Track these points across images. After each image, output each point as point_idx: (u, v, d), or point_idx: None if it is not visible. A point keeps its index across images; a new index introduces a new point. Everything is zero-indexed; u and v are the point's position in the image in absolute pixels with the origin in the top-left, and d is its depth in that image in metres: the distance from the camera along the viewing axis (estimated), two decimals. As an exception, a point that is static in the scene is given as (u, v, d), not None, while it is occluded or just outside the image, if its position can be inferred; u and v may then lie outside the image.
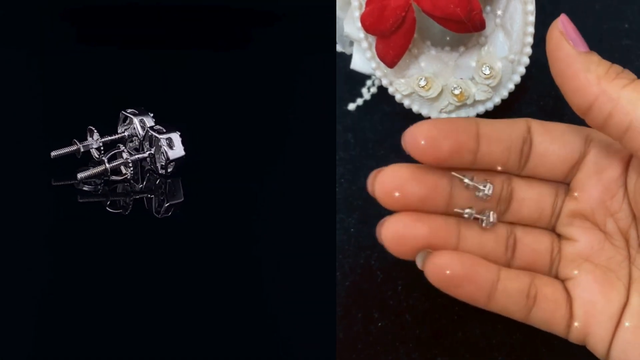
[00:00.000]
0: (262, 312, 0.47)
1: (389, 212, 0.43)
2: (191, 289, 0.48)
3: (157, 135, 0.55)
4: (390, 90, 0.49)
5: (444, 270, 0.41)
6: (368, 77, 0.53)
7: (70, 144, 0.56)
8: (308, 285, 0.49)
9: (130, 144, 0.58)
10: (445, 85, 0.48)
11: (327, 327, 0.47)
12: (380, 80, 0.49)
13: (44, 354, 0.45)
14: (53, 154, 0.56)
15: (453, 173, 0.42)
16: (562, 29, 0.40)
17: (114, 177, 0.55)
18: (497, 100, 0.48)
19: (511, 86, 0.48)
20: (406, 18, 0.46)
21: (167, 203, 0.55)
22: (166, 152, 0.55)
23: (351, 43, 0.51)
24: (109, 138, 0.57)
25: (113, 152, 0.55)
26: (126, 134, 0.58)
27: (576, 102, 0.40)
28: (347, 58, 0.52)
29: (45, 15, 0.71)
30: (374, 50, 0.48)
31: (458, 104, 0.48)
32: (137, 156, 0.56)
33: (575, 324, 0.42)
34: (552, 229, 0.44)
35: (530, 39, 0.47)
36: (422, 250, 0.41)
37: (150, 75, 0.67)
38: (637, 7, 0.53)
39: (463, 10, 0.44)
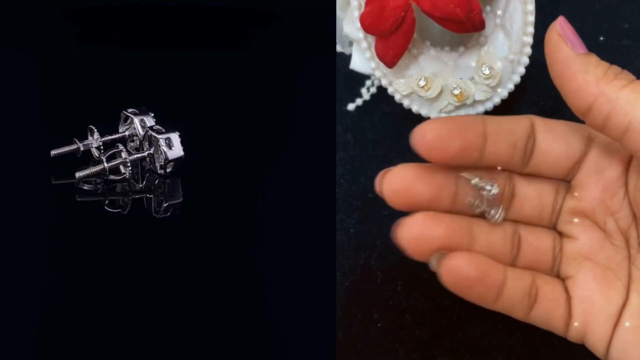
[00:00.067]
0: (262, 312, 0.47)
1: (390, 213, 0.43)
2: (191, 289, 0.48)
3: (155, 135, 0.55)
4: (390, 90, 0.49)
5: (459, 272, 0.40)
6: (367, 77, 0.53)
7: (71, 143, 0.56)
8: (308, 286, 0.49)
9: (132, 144, 0.58)
10: (445, 86, 0.48)
11: (327, 327, 0.47)
12: (380, 81, 0.49)
13: (43, 352, 0.45)
14: (53, 152, 0.56)
15: (462, 174, 0.42)
16: (560, 30, 0.40)
17: (113, 177, 0.55)
18: (496, 100, 0.48)
19: (511, 86, 0.48)
20: (405, 18, 0.46)
21: (165, 203, 0.55)
22: (165, 152, 0.55)
23: (351, 43, 0.51)
24: (109, 137, 0.57)
25: (112, 152, 0.55)
26: (127, 133, 0.58)
27: (575, 103, 0.40)
28: (347, 58, 0.52)
29: (45, 15, 0.71)
30: (373, 50, 0.48)
31: (458, 104, 0.48)
32: (135, 156, 0.56)
33: (574, 323, 0.42)
34: (553, 227, 0.44)
35: (530, 39, 0.47)
36: (438, 251, 0.41)
37: (150, 75, 0.67)
38: (637, 7, 0.53)
39: (463, 10, 0.44)
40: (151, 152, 0.56)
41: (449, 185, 0.42)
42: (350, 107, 0.53)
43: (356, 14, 0.47)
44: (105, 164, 0.55)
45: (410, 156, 0.41)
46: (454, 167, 0.42)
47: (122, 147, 0.56)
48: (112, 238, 0.52)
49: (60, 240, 0.52)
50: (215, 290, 0.48)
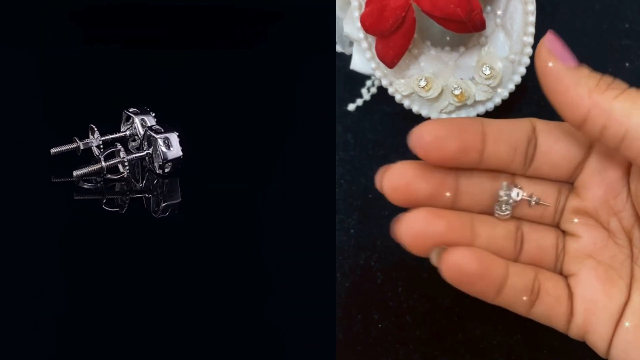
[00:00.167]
0: (262, 312, 0.47)
1: (390, 213, 0.43)
2: (190, 289, 0.48)
3: (154, 135, 0.55)
4: (390, 90, 0.49)
5: (460, 266, 0.40)
6: (368, 77, 0.53)
7: (71, 142, 0.57)
8: (308, 286, 0.49)
9: (133, 144, 0.58)
10: (446, 86, 0.48)
11: (327, 328, 0.47)
12: (380, 81, 0.49)
13: (41, 351, 0.45)
14: (53, 150, 0.56)
15: (504, 183, 0.43)
16: (549, 46, 0.40)
17: (110, 176, 0.55)
18: (497, 100, 0.48)
19: (512, 86, 0.48)
20: (406, 18, 0.46)
21: (164, 203, 0.55)
22: (163, 152, 0.55)
23: (351, 43, 0.51)
24: (110, 136, 0.57)
25: (110, 151, 0.56)
26: (127, 133, 0.58)
27: (570, 116, 0.40)
28: (347, 58, 0.52)
29: (45, 15, 0.71)
30: (373, 50, 0.48)
31: (458, 104, 0.48)
32: (134, 155, 0.56)
33: (576, 320, 0.42)
34: (556, 225, 0.45)
35: (530, 39, 0.47)
36: (438, 246, 0.41)
37: (150, 75, 0.67)
38: (637, 7, 0.53)
39: (463, 10, 0.44)
40: (150, 152, 0.56)
41: (449, 182, 0.42)
42: (351, 107, 0.53)
43: (356, 14, 0.47)
44: (103, 163, 0.55)
45: (410, 157, 0.41)
46: (455, 169, 0.42)
47: (121, 146, 0.56)
48: (111, 238, 0.52)
49: (59, 239, 0.52)
50: (215, 291, 0.48)
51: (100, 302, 0.48)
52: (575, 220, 0.43)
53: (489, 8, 0.48)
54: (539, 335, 0.48)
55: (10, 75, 0.65)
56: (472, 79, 0.48)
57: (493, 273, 0.41)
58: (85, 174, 0.55)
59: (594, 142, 0.41)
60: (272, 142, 0.60)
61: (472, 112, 0.49)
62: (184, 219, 0.54)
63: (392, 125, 0.52)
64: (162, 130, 0.55)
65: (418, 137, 0.40)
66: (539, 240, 0.44)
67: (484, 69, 0.47)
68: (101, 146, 0.57)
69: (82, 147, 0.57)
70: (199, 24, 0.72)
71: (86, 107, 0.62)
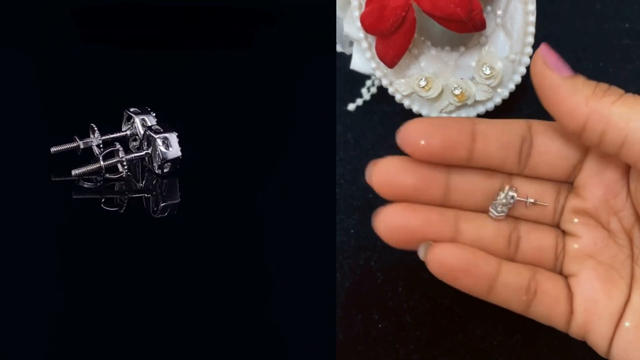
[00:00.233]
0: (261, 312, 0.47)
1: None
2: (190, 290, 0.48)
3: (153, 135, 0.55)
4: (390, 90, 0.49)
5: (442, 261, 0.42)
6: (368, 77, 0.53)
7: (71, 141, 0.57)
8: (308, 286, 0.49)
9: (134, 143, 0.58)
10: (446, 86, 0.48)
11: (327, 328, 0.47)
12: (380, 81, 0.49)
13: (39, 350, 0.45)
14: (53, 149, 0.57)
15: (506, 187, 0.43)
16: (544, 58, 0.40)
17: (109, 175, 0.55)
18: (497, 100, 0.48)
19: (512, 86, 0.48)
20: (406, 18, 0.46)
21: (162, 203, 0.55)
22: (161, 152, 0.55)
23: (351, 43, 0.51)
24: (110, 136, 0.57)
25: (109, 150, 0.56)
26: (128, 132, 0.58)
27: (569, 125, 0.40)
28: (347, 58, 0.52)
29: (45, 15, 0.71)
30: (373, 50, 0.48)
31: (458, 104, 0.48)
32: (133, 155, 0.56)
33: (576, 320, 0.42)
34: (556, 225, 0.45)
35: (531, 39, 0.47)
36: (420, 240, 0.42)
37: (150, 75, 0.67)
38: (638, 6, 0.53)
39: (463, 10, 0.44)
40: (149, 151, 0.56)
41: (438, 178, 0.43)
42: (351, 107, 0.53)
43: (357, 13, 0.47)
44: (102, 163, 0.55)
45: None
46: (445, 165, 0.43)
47: (119, 146, 0.56)
48: (110, 237, 0.52)
49: (58, 238, 0.52)
50: (215, 291, 0.48)
51: (99, 302, 0.48)
52: (575, 220, 0.44)
53: (489, 8, 0.48)
54: (539, 336, 0.48)
55: (10, 75, 0.65)
56: (473, 78, 0.48)
57: (480, 269, 0.42)
58: (83, 173, 0.55)
59: (593, 148, 0.42)
60: (272, 142, 0.60)
61: (473, 112, 0.49)
62: (184, 219, 0.53)
63: (392, 125, 0.52)
64: (162, 130, 0.55)
65: (404, 134, 0.41)
66: (537, 240, 0.44)
67: (484, 68, 0.47)
68: (101, 145, 0.57)
69: (82, 147, 0.57)
70: (199, 24, 0.72)
71: (86, 107, 0.62)
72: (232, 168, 0.58)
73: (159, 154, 0.55)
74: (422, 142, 0.41)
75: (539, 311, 0.43)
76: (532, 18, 0.46)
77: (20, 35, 0.69)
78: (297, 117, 0.63)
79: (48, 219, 0.53)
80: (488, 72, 0.47)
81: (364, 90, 0.53)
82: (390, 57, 0.47)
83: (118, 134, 0.58)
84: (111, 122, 0.58)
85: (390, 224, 0.42)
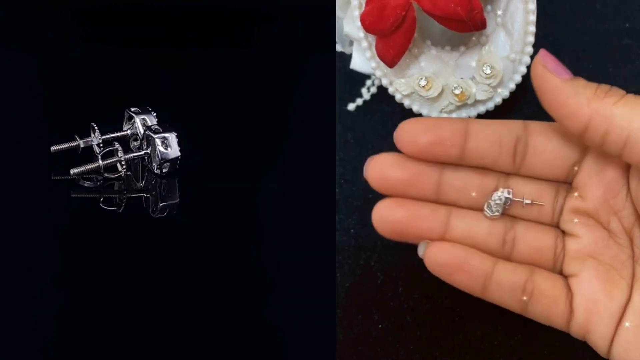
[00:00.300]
0: (262, 313, 0.47)
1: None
2: (191, 290, 0.48)
3: (152, 135, 0.55)
4: (391, 90, 0.49)
5: (434, 258, 0.43)
6: (368, 77, 0.53)
7: (71, 141, 0.57)
8: (308, 287, 0.49)
9: (135, 143, 0.58)
10: (446, 85, 0.48)
11: (327, 328, 0.47)
12: (380, 80, 0.49)
13: (38, 349, 0.45)
14: (53, 148, 0.57)
15: (502, 188, 0.45)
16: (543, 62, 0.41)
17: (108, 175, 0.55)
18: (498, 100, 0.48)
19: (512, 86, 0.48)
20: (406, 17, 0.46)
21: (161, 203, 0.55)
22: (160, 152, 0.55)
23: (351, 43, 0.51)
24: (111, 135, 0.57)
25: (108, 150, 0.56)
26: (129, 132, 0.58)
27: (571, 126, 0.41)
28: (347, 58, 0.52)
29: (45, 15, 0.71)
30: (373, 49, 0.48)
31: (459, 103, 0.48)
32: (132, 155, 0.56)
33: (577, 320, 0.42)
34: (556, 225, 0.45)
35: (531, 38, 0.47)
36: (410, 233, 0.44)
37: (150, 75, 0.67)
38: (638, 6, 0.53)
39: (464, 10, 0.44)
40: (148, 151, 0.56)
41: (428, 174, 0.44)
42: (351, 106, 0.53)
43: (356, 13, 0.47)
44: (101, 162, 0.55)
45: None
46: (438, 162, 0.44)
47: (118, 145, 0.56)
48: (109, 237, 0.52)
49: (57, 237, 0.52)
50: (215, 291, 0.48)
51: (99, 301, 0.47)
52: (575, 220, 0.44)
53: (489, 7, 0.48)
54: (539, 336, 0.48)
55: (10, 75, 0.65)
56: (473, 78, 0.48)
57: (473, 267, 0.43)
58: (82, 172, 0.55)
59: (596, 149, 0.42)
60: (272, 142, 0.60)
61: (473, 112, 0.49)
62: (184, 219, 0.53)
63: (392, 124, 0.52)
64: (161, 130, 0.55)
65: (399, 132, 0.43)
66: (535, 240, 0.44)
67: (484, 68, 0.47)
68: (101, 145, 0.57)
69: (82, 146, 0.57)
70: (199, 24, 0.72)
71: (86, 107, 0.62)
72: (232, 168, 0.58)
73: (157, 153, 0.55)
74: (414, 140, 0.43)
75: (537, 311, 0.43)
76: (533, 17, 0.46)
77: (20, 35, 0.69)
78: (297, 117, 0.63)
79: (47, 218, 0.53)
80: (488, 71, 0.47)
81: (364, 90, 0.53)
82: (390, 56, 0.47)
83: (118, 134, 0.58)
84: (111, 122, 0.58)
85: (382, 216, 0.44)
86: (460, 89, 0.48)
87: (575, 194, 0.44)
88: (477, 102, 0.48)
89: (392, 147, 0.46)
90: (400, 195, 0.44)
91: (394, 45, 0.46)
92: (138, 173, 0.57)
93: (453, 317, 0.49)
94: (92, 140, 0.57)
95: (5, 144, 0.58)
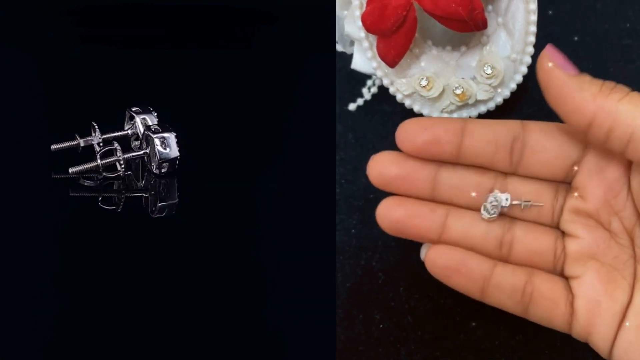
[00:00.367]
0: (261, 313, 0.47)
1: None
2: (191, 290, 0.48)
3: (151, 134, 0.55)
4: (392, 90, 0.49)
5: (435, 261, 0.44)
6: (369, 76, 0.53)
7: (72, 140, 0.57)
8: (308, 287, 0.49)
9: (136, 143, 0.58)
10: (447, 85, 0.48)
11: (327, 328, 0.47)
12: (381, 80, 0.49)
13: (36, 348, 0.45)
14: (53, 147, 0.57)
15: (496, 190, 0.45)
16: (550, 57, 0.41)
17: (107, 174, 0.55)
18: (499, 100, 0.48)
19: (513, 86, 0.48)
20: (407, 17, 0.46)
21: (160, 203, 0.55)
22: (159, 152, 0.55)
23: (352, 43, 0.51)
24: (112, 135, 0.57)
25: (108, 149, 0.56)
26: (130, 132, 0.58)
27: (575, 121, 0.41)
28: (348, 58, 0.52)
29: (45, 15, 0.71)
30: (374, 49, 0.48)
31: (460, 103, 0.48)
32: (131, 154, 0.56)
33: (578, 321, 0.42)
34: (555, 226, 0.45)
35: (532, 38, 0.47)
36: (409, 231, 0.45)
37: (150, 75, 0.67)
38: (638, 6, 0.53)
39: (465, 9, 0.44)
40: (147, 151, 0.56)
41: (424, 171, 0.44)
42: (352, 107, 0.53)
43: (358, 13, 0.47)
44: (99, 161, 0.55)
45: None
46: (436, 161, 0.45)
47: (117, 145, 0.56)
48: (108, 236, 0.52)
49: (56, 236, 0.52)
50: (216, 291, 0.48)
51: (98, 302, 0.47)
52: (575, 220, 0.44)
53: (490, 7, 0.48)
54: (540, 336, 0.48)
55: (10, 75, 0.65)
56: (474, 78, 0.48)
57: (471, 270, 0.43)
58: (81, 171, 0.55)
59: (599, 146, 0.42)
60: (273, 142, 0.60)
61: (474, 112, 0.49)
62: (184, 219, 0.53)
63: (393, 124, 0.52)
64: (160, 130, 0.55)
65: (399, 131, 0.44)
66: (534, 241, 0.44)
67: (485, 68, 0.47)
68: (101, 144, 0.57)
69: (82, 145, 0.57)
70: (199, 24, 0.72)
71: (86, 107, 0.62)
72: (232, 168, 0.58)
73: (156, 153, 0.55)
74: (412, 138, 0.44)
75: (537, 313, 0.43)
76: (534, 17, 0.46)
77: (20, 35, 0.69)
78: (297, 117, 0.63)
79: (47, 217, 0.53)
80: (489, 71, 0.47)
81: (364, 90, 0.53)
82: (392, 56, 0.47)
83: (119, 133, 0.58)
84: (111, 122, 0.58)
85: (384, 214, 0.45)
86: (461, 89, 0.48)
87: (575, 194, 0.44)
88: (478, 102, 0.48)
89: (392, 147, 0.46)
90: (397, 192, 0.45)
91: (395, 45, 0.46)
92: (138, 173, 0.57)
93: (454, 317, 0.49)
94: (92, 140, 0.57)
95: (5, 143, 0.58)
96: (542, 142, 0.44)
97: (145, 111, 0.57)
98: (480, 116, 0.49)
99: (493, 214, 0.44)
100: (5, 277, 0.49)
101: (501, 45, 0.48)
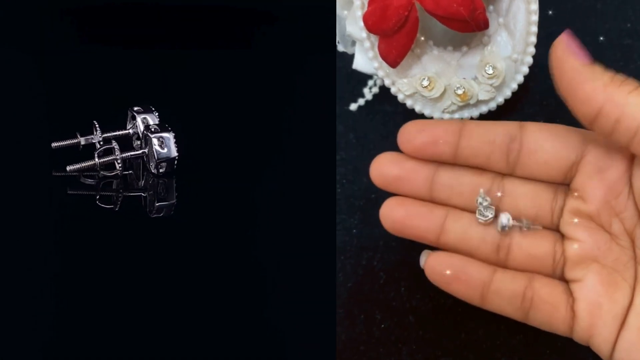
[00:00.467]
0: (261, 313, 0.47)
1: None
2: (191, 290, 0.48)
3: (149, 134, 0.55)
4: (393, 90, 0.49)
5: (434, 268, 0.44)
6: (370, 76, 0.53)
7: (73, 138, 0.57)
8: (308, 287, 0.49)
9: (138, 142, 0.58)
10: (448, 85, 0.48)
11: (328, 328, 0.47)
12: (383, 80, 0.49)
13: (35, 347, 0.45)
14: (54, 145, 0.57)
15: (481, 190, 0.45)
16: (566, 43, 0.41)
17: (105, 173, 0.55)
18: (500, 100, 0.48)
19: (514, 86, 0.48)
20: (409, 17, 0.46)
21: (157, 203, 0.55)
22: (157, 152, 0.55)
23: (353, 43, 0.51)
24: (112, 134, 0.57)
25: (106, 148, 0.56)
26: (131, 131, 0.58)
27: (583, 111, 0.40)
28: (349, 58, 0.52)
29: (45, 15, 0.71)
30: (376, 49, 0.48)
31: (461, 103, 0.48)
32: (129, 154, 0.56)
33: (580, 324, 0.42)
34: (555, 228, 0.45)
35: (533, 39, 0.47)
36: (408, 231, 0.45)
37: (150, 75, 0.67)
38: (638, 6, 0.53)
39: (466, 10, 0.44)
40: (145, 151, 0.56)
41: (422, 171, 0.45)
42: (353, 107, 0.53)
43: (359, 13, 0.47)
44: (97, 160, 0.55)
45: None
46: (434, 161, 0.45)
47: (116, 144, 0.56)
48: (107, 236, 0.52)
49: (55, 235, 0.52)
50: (216, 291, 0.48)
51: (97, 301, 0.47)
52: (575, 221, 0.43)
53: (491, 7, 0.48)
54: (541, 336, 0.48)
55: (10, 75, 0.65)
56: (475, 78, 0.48)
57: (471, 277, 0.44)
58: (79, 169, 0.55)
59: (605, 138, 0.41)
60: (273, 142, 0.60)
61: (475, 112, 0.49)
62: (184, 219, 0.53)
63: (394, 125, 0.52)
64: (158, 130, 0.55)
65: (400, 133, 0.45)
66: (531, 247, 0.44)
67: (486, 68, 0.47)
68: (101, 142, 0.57)
69: (82, 143, 0.57)
70: (199, 24, 0.72)
71: (86, 107, 0.62)
72: (232, 168, 0.58)
73: (154, 153, 0.55)
74: (411, 139, 0.44)
75: (538, 318, 0.43)
76: (535, 18, 0.46)
77: (20, 35, 0.69)
78: (297, 117, 0.63)
79: (47, 216, 0.53)
80: (490, 71, 0.47)
81: (366, 90, 0.53)
82: (393, 56, 0.47)
83: (120, 132, 0.58)
84: (110, 122, 0.58)
85: (385, 214, 0.45)
86: (463, 89, 0.48)
87: (576, 194, 0.44)
88: (479, 102, 0.48)
89: (393, 147, 0.46)
90: (398, 192, 0.45)
91: (397, 46, 0.46)
92: (138, 172, 0.57)
93: (455, 317, 0.49)
94: (92, 138, 0.57)
95: (6, 143, 0.58)
96: (539, 143, 0.43)
97: (147, 111, 0.57)
98: (482, 116, 0.49)
99: (489, 215, 0.44)
100: (4, 276, 0.49)
101: (502, 45, 0.48)
